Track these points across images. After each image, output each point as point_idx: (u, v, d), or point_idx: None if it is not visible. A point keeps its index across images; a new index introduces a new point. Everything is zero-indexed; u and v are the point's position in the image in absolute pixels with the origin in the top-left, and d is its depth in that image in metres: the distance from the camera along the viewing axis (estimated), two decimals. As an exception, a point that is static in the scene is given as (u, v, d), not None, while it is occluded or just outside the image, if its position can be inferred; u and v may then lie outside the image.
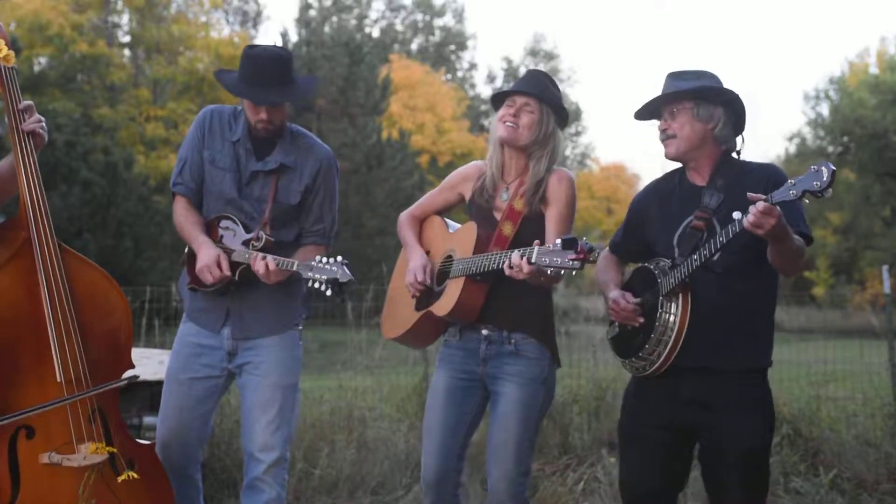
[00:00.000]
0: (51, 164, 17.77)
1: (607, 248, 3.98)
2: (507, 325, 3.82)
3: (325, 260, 3.61)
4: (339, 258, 3.63)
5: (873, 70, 32.97)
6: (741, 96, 3.62)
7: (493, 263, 3.63)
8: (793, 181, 3.10)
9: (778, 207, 3.12)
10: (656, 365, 3.54)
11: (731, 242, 3.29)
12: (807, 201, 3.10)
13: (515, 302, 3.79)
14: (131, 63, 29.02)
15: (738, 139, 3.67)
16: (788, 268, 3.46)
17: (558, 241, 3.33)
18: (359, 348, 7.51)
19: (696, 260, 3.39)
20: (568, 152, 51.15)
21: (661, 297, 3.51)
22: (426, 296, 3.96)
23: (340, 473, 6.01)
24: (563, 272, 3.35)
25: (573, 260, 3.27)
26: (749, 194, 3.17)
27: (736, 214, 3.24)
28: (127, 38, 29.55)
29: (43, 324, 3.38)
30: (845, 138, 31.40)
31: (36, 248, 3.40)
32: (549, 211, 3.83)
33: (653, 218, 3.75)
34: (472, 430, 3.97)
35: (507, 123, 3.84)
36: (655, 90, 3.72)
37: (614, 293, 3.69)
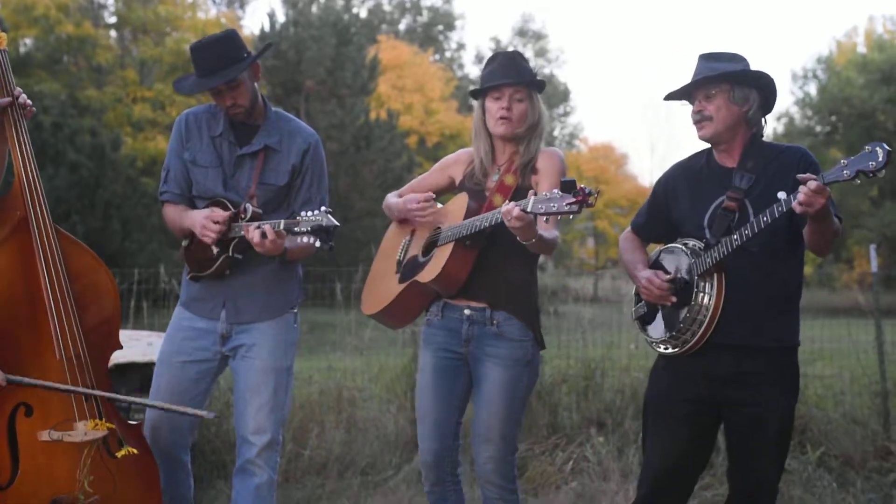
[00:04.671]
0: (37, 146, 17.49)
1: (629, 228, 3.97)
2: (490, 301, 3.82)
3: (308, 213, 3.60)
4: (323, 208, 3.60)
5: (861, 49, 32.95)
6: (775, 81, 3.62)
7: (485, 222, 3.63)
8: (844, 161, 3.12)
9: (828, 188, 3.14)
10: (689, 344, 3.56)
11: (772, 223, 3.31)
12: (858, 181, 3.11)
13: (499, 277, 3.81)
14: (118, 44, 28.83)
15: (763, 121, 3.68)
16: (825, 248, 3.48)
17: (556, 190, 3.32)
18: (348, 329, 7.52)
19: (735, 240, 3.40)
20: (556, 133, 51.10)
21: (695, 277, 3.52)
22: (410, 268, 3.96)
23: (330, 454, 6.03)
24: (560, 217, 3.33)
25: (571, 204, 3.25)
26: (799, 175, 3.18)
27: (781, 194, 3.26)
28: (113, 19, 29.33)
29: (40, 302, 3.41)
30: (833, 118, 31.40)
31: (33, 227, 3.44)
32: (541, 183, 3.83)
33: (681, 198, 3.74)
34: (463, 408, 3.98)
35: (503, 120, 3.85)
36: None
37: (646, 272, 3.68)
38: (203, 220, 3.82)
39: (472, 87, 4.04)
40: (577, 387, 6.70)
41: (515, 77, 3.86)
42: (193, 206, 4.04)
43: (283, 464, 5.66)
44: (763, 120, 3.68)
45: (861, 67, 30.51)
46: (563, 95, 52.60)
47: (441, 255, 3.81)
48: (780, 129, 34.69)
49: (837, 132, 31.31)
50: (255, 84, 4.00)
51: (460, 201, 3.90)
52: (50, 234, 3.45)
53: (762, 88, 3.62)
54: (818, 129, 32.34)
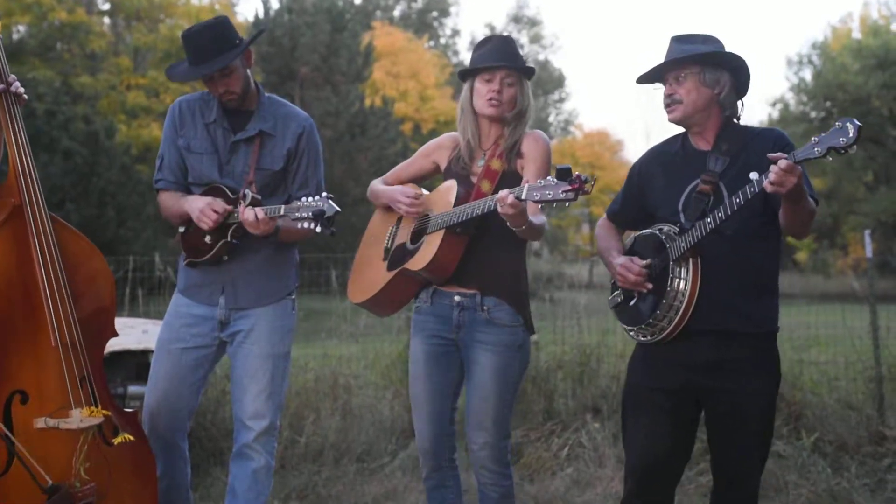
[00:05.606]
0: (31, 133, 17.40)
1: (605, 216, 3.92)
2: (480, 287, 3.81)
3: (309, 199, 3.60)
4: (325, 194, 3.62)
5: (856, 35, 32.95)
6: (747, 62, 3.58)
7: (477, 209, 3.62)
8: (816, 138, 3.07)
9: (799, 166, 3.09)
10: (667, 331, 3.49)
11: (746, 204, 3.27)
12: (830, 159, 3.06)
13: (489, 262, 3.80)
14: (111, 31, 28.74)
15: (739, 104, 3.63)
16: (801, 230, 3.42)
17: (550, 178, 3.30)
18: (343, 316, 7.53)
19: (709, 223, 3.36)
20: (551, 119, 51.07)
21: (671, 262, 3.46)
22: (399, 256, 3.95)
23: (326, 441, 6.04)
24: (555, 205, 3.30)
25: (567, 191, 3.22)
26: (770, 154, 3.13)
27: (753, 175, 3.21)
28: (106, 6, 29.23)
29: (36, 290, 3.40)
30: (828, 103, 31.42)
31: (28, 215, 3.43)
32: (526, 167, 3.83)
33: (655, 183, 3.69)
34: (457, 394, 3.98)
35: (493, 102, 3.83)
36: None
37: (620, 258, 3.62)
38: (203, 206, 3.82)
39: (461, 69, 4.01)
40: (573, 373, 6.71)
41: (509, 61, 3.85)
42: (189, 193, 4.03)
43: (280, 451, 5.67)
44: (739, 103, 3.62)
45: (856, 53, 30.50)
46: (558, 82, 52.58)
47: (432, 243, 3.80)
48: (776, 114, 34.78)
49: (832, 118, 31.27)
50: (248, 70, 3.99)
51: (448, 188, 3.89)
52: (45, 221, 3.45)
53: (734, 70, 3.58)
54: (813, 114, 32.36)
